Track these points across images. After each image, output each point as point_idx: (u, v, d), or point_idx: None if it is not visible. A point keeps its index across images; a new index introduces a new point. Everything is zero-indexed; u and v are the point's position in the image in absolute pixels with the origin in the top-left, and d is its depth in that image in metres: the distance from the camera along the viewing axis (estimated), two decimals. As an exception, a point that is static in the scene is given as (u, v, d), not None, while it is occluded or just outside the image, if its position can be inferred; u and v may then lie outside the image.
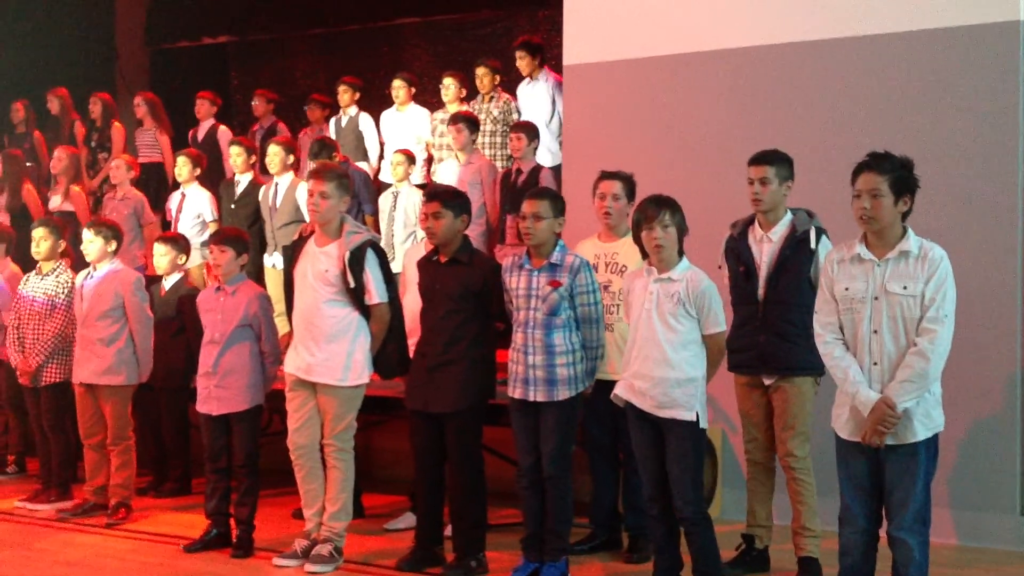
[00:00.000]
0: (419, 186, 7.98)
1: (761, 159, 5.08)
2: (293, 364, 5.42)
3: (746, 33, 6.43)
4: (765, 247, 5.08)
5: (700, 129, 6.55)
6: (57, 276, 6.61)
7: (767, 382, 5.08)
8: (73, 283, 6.50)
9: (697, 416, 4.59)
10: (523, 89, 8.20)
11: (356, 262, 5.26)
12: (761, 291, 5.05)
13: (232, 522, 5.72)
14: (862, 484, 4.07)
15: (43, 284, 6.61)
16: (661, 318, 4.59)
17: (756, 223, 5.15)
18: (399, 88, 8.62)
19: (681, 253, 4.67)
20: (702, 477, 4.77)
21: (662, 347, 4.58)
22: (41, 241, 6.61)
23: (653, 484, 4.70)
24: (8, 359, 7.00)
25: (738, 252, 5.15)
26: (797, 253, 5.00)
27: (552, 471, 5.01)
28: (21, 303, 6.65)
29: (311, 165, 7.16)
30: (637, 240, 4.69)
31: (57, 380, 6.55)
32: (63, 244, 6.68)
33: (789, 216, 5.08)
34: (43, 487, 6.73)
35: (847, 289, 4.08)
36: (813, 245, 4.98)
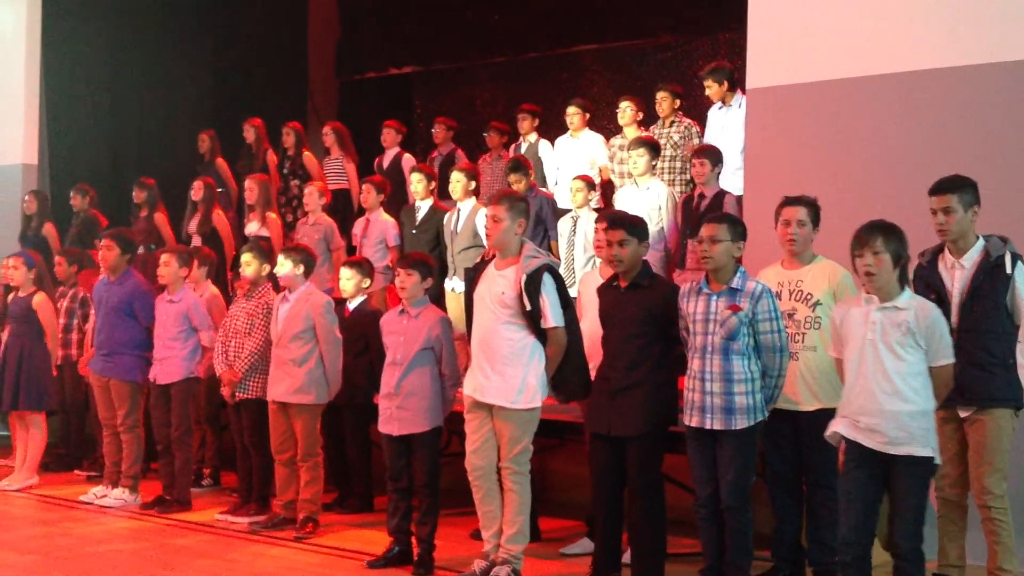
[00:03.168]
0: (596, 210, 8.00)
1: (942, 188, 4.88)
2: (470, 385, 5.49)
3: (933, 54, 6.20)
4: (957, 274, 4.89)
5: (887, 153, 6.34)
6: (259, 298, 6.90)
7: (963, 415, 4.87)
8: (271, 305, 6.79)
9: (932, 451, 4.34)
10: (714, 113, 8.09)
11: (532, 285, 5.29)
12: (954, 319, 4.85)
13: (413, 540, 5.84)
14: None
15: (247, 305, 6.92)
16: (888, 348, 4.33)
17: (946, 250, 4.95)
18: (573, 114, 8.67)
19: (903, 281, 4.41)
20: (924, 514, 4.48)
21: (891, 379, 4.31)
22: (247, 265, 6.93)
23: (860, 529, 4.39)
24: (205, 376, 7.40)
25: (928, 279, 4.95)
26: (992, 279, 4.80)
27: (731, 502, 4.92)
28: (228, 322, 6.99)
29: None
30: (855, 268, 4.48)
31: (256, 397, 6.80)
32: (267, 268, 6.97)
33: (981, 242, 4.88)
34: (243, 500, 7.01)
35: (1050, 319, 3.89)
36: (1009, 270, 4.77)
